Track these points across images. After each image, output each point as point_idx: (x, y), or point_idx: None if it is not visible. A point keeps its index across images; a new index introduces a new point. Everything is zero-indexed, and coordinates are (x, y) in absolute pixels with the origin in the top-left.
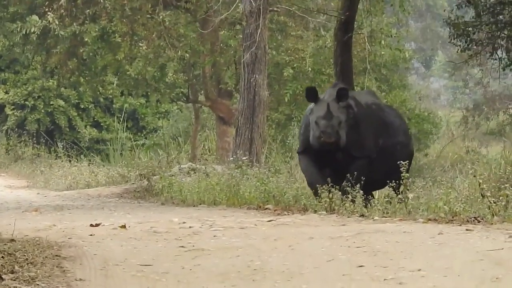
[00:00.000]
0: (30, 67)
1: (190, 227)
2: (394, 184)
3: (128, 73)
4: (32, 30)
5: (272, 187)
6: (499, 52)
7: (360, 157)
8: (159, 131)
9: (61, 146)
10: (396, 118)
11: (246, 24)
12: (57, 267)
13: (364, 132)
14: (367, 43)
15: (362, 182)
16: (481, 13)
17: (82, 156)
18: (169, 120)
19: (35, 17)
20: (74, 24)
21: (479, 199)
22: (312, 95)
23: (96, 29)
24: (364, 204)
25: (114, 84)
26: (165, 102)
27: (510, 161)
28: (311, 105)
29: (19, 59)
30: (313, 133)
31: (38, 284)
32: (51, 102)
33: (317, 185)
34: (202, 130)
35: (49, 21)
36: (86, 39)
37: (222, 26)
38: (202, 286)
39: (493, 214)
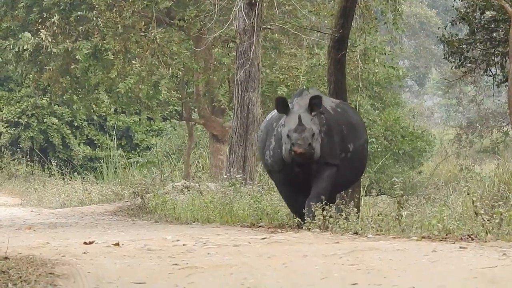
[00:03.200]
0: (23, 85)
1: (183, 245)
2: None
3: (117, 90)
4: (24, 47)
5: (265, 205)
6: (493, 69)
7: (332, 164)
8: (152, 149)
9: (55, 164)
10: (356, 116)
11: (240, 42)
12: (50, 285)
13: (336, 138)
14: (359, 61)
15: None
16: (475, 30)
17: (75, 173)
18: (162, 138)
19: (27, 34)
20: (67, 41)
21: (472, 217)
22: (282, 106)
23: (89, 47)
24: (307, 214)
25: (106, 102)
26: (157, 120)
27: (503, 179)
28: (271, 115)
29: (13, 76)
30: (285, 146)
31: None
32: (45, 120)
33: (292, 208)
34: (195, 148)
35: (42, 38)
36: (78, 56)
37: (215, 44)
38: None
39: (487, 232)
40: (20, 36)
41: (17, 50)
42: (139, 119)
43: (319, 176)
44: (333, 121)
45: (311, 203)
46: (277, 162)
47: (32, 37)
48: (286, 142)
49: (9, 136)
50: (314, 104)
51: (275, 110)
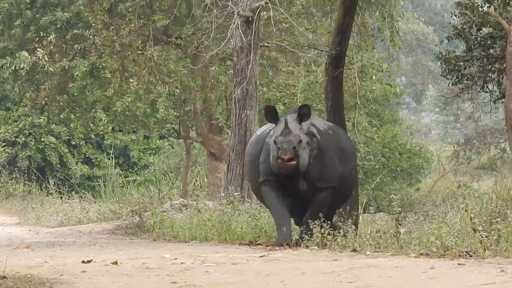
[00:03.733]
0: (20, 104)
1: (182, 263)
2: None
3: (114, 108)
4: (21, 66)
5: (263, 223)
6: (490, 86)
7: (324, 188)
8: (150, 167)
9: (53, 183)
10: (347, 140)
11: (237, 59)
12: None
13: (329, 162)
14: (357, 78)
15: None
16: (472, 47)
17: (73, 192)
18: (160, 156)
19: (24, 53)
20: (64, 59)
21: (471, 234)
22: (271, 115)
23: (86, 65)
24: (305, 232)
25: (104, 120)
26: (154, 138)
27: (501, 195)
28: (262, 130)
29: (10, 95)
30: (272, 153)
31: None
32: (42, 139)
33: (280, 222)
34: (193, 166)
35: (39, 57)
36: (75, 74)
37: (213, 62)
38: None
39: (485, 249)
40: (18, 55)
41: (14, 68)
42: (136, 137)
43: (313, 201)
44: (326, 143)
45: (308, 220)
46: (266, 170)
47: (29, 56)
48: (273, 149)
49: (6, 155)
50: (303, 114)
51: (266, 126)
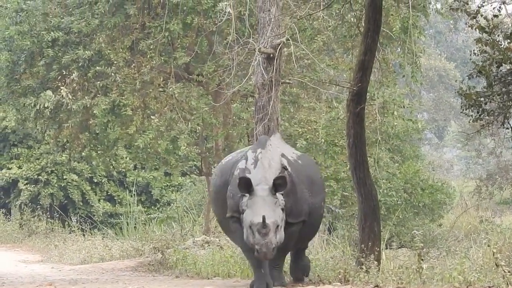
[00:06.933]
0: (43, 142)
1: None
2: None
3: (136, 144)
4: (45, 105)
5: (286, 258)
6: (511, 121)
7: (294, 223)
8: (172, 204)
9: (75, 220)
10: (315, 171)
11: (259, 96)
12: None
13: (300, 196)
14: (378, 114)
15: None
16: (493, 83)
17: (96, 230)
18: (182, 193)
19: (49, 92)
20: (86, 97)
21: (493, 269)
22: (245, 186)
23: (107, 102)
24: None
25: (125, 158)
26: (175, 175)
27: None
28: (229, 157)
29: (32, 133)
30: (247, 235)
31: None
32: (64, 177)
33: (256, 264)
34: None
35: (62, 95)
36: (96, 112)
37: (234, 99)
38: None
39: (507, 284)
40: (42, 95)
41: (38, 108)
42: (158, 174)
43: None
44: (297, 177)
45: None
46: (233, 206)
47: (53, 95)
48: (248, 230)
49: (29, 193)
50: (278, 185)
51: (233, 154)
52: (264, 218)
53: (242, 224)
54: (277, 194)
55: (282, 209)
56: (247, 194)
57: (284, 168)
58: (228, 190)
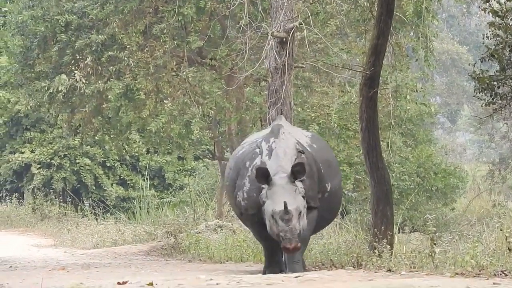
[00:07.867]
0: (56, 126)
1: (217, 284)
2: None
3: (148, 128)
4: (59, 89)
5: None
6: None
7: (314, 207)
8: (185, 188)
9: (88, 204)
10: (330, 152)
11: (271, 80)
12: None
13: (318, 180)
14: (391, 98)
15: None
16: (506, 67)
17: (108, 214)
18: (195, 177)
19: (63, 76)
20: (99, 81)
21: (506, 253)
22: (262, 176)
23: (120, 86)
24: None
25: (138, 142)
26: (189, 160)
27: None
28: (242, 151)
29: (44, 118)
30: (270, 225)
31: None
32: (77, 161)
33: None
34: None
35: (76, 79)
36: (109, 96)
37: (247, 83)
38: None
39: None
40: (57, 79)
41: (51, 91)
42: (171, 158)
43: None
44: (312, 160)
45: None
46: (252, 206)
47: (67, 79)
48: (270, 220)
49: (41, 177)
50: (297, 172)
51: (245, 145)
52: (285, 203)
53: (264, 217)
54: (296, 182)
55: (303, 197)
56: (265, 186)
57: (301, 152)
58: (240, 190)
